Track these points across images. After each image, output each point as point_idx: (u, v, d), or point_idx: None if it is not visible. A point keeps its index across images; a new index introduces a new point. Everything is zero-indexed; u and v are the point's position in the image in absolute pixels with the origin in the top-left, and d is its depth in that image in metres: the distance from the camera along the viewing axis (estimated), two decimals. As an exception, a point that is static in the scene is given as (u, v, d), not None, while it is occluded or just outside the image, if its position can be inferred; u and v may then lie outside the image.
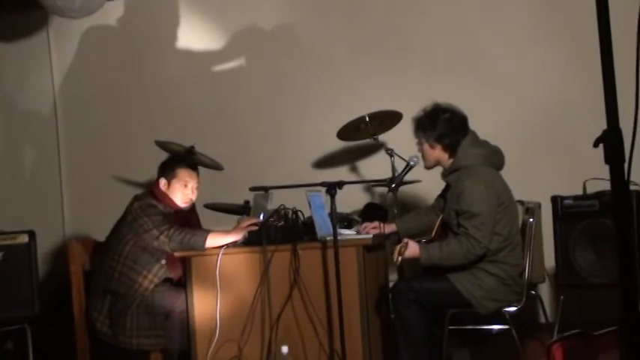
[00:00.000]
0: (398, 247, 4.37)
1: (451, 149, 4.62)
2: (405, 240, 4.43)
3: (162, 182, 5.04)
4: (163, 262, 4.85)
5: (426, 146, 4.69)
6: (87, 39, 7.08)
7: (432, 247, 4.47)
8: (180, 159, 5.19)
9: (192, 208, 5.23)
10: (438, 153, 4.66)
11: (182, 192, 5.04)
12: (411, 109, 4.94)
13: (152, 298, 4.81)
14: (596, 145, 2.29)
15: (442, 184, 4.86)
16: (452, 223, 4.53)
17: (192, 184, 5.07)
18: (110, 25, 6.99)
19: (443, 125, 4.61)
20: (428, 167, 4.79)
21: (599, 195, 5.31)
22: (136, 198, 5.03)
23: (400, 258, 4.35)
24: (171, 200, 5.02)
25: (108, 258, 4.94)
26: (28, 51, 7.16)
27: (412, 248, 4.40)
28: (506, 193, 4.58)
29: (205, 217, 5.43)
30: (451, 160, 4.63)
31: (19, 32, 7.14)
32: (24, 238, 5.39)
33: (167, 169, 5.08)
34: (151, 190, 5.11)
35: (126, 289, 4.84)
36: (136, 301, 4.81)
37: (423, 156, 4.76)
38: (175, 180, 5.03)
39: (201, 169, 6.01)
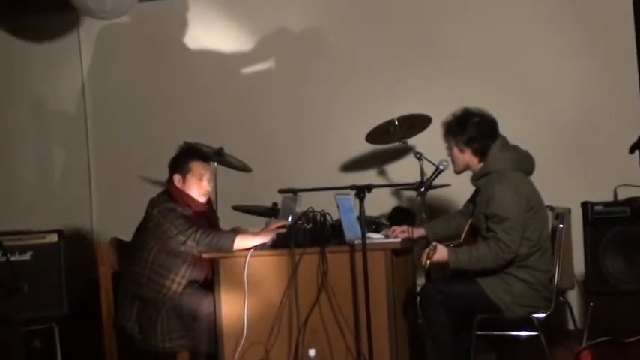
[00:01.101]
0: (427, 251, 4.36)
1: (481, 154, 4.60)
2: (434, 243, 4.42)
3: (177, 179, 4.95)
4: (189, 262, 4.83)
5: (456, 150, 4.66)
6: (117, 40, 7.13)
7: (460, 251, 4.45)
8: (191, 152, 5.08)
9: (211, 208, 5.17)
10: (468, 157, 4.63)
11: (198, 185, 4.95)
12: (440, 113, 4.93)
13: (180, 300, 4.80)
14: (631, 151, 2.28)
15: (471, 189, 4.84)
16: (481, 228, 4.51)
17: (207, 175, 4.98)
18: (140, 26, 7.02)
19: (472, 129, 4.59)
20: (457, 172, 4.77)
21: (630, 201, 5.28)
22: (153, 203, 4.93)
23: (429, 261, 4.33)
24: (188, 197, 4.93)
25: (134, 264, 4.91)
26: (59, 51, 7.21)
27: (441, 252, 4.39)
28: (535, 198, 4.55)
29: (233, 218, 5.44)
30: (481, 165, 4.61)
31: (50, 33, 7.20)
32: (53, 238, 5.43)
33: (180, 165, 4.98)
34: (165, 190, 5.02)
35: (155, 294, 4.81)
36: (165, 305, 4.80)
37: (453, 160, 4.74)
38: (190, 174, 4.94)
39: (229, 170, 6.05)
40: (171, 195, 4.94)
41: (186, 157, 5.01)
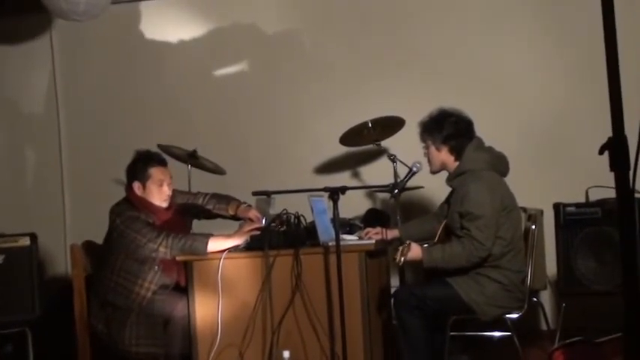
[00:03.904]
0: (401, 249, 4.36)
1: (457, 152, 4.61)
2: (408, 242, 4.41)
3: (137, 186, 4.91)
4: (156, 268, 4.79)
5: (432, 149, 4.67)
6: (90, 42, 7.10)
7: (434, 250, 4.46)
8: (149, 158, 5.00)
9: (179, 212, 5.11)
10: (444, 156, 4.64)
11: (159, 191, 4.91)
12: (413, 115, 4.95)
13: (152, 308, 4.77)
14: (601, 152, 2.29)
15: (444, 191, 4.85)
16: (455, 227, 4.51)
17: (167, 180, 4.95)
18: (113, 28, 6.99)
19: (449, 127, 4.61)
20: (433, 172, 4.77)
21: (601, 203, 5.32)
22: (115, 213, 4.88)
23: (403, 259, 4.33)
24: (149, 204, 4.90)
25: (103, 271, 4.90)
26: (32, 54, 7.18)
27: (414, 250, 4.38)
28: (509, 198, 4.57)
29: (207, 221, 5.41)
30: (456, 164, 4.62)
31: (23, 35, 7.16)
32: (25, 241, 5.38)
33: (139, 172, 4.93)
34: (126, 197, 4.97)
35: (124, 300, 4.79)
36: (134, 311, 4.78)
37: (429, 160, 4.74)
38: (150, 181, 4.90)
39: (203, 173, 6.03)
40: (132, 203, 4.91)
41: (144, 163, 4.95)
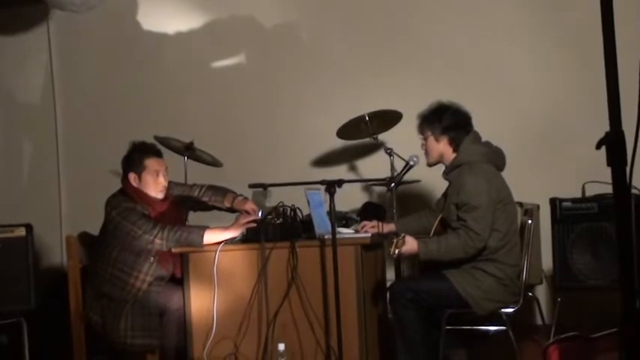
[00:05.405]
0: (395, 241, 4.34)
1: (455, 144, 4.60)
2: (402, 234, 4.40)
3: (132, 177, 4.91)
4: (152, 259, 4.79)
5: (431, 139, 4.65)
6: (87, 33, 7.08)
7: (430, 242, 4.45)
8: (144, 149, 5.00)
9: (175, 203, 5.11)
10: (443, 147, 4.62)
11: (154, 182, 4.92)
12: (411, 109, 4.94)
13: (147, 299, 4.77)
14: (598, 147, 2.28)
15: (441, 184, 4.84)
16: (451, 219, 4.50)
17: (162, 171, 4.95)
18: (110, 19, 6.98)
19: (449, 118, 4.61)
20: (431, 164, 4.75)
21: (597, 198, 5.32)
22: (110, 204, 4.88)
23: (397, 251, 4.32)
24: (145, 195, 4.90)
25: (98, 262, 4.90)
26: (28, 44, 7.17)
27: (410, 243, 4.36)
28: (506, 191, 4.57)
29: (203, 213, 5.41)
30: (454, 156, 4.61)
31: (20, 25, 7.15)
32: (21, 232, 5.37)
33: (134, 163, 4.93)
34: (121, 189, 4.97)
35: (119, 292, 4.79)
36: (129, 302, 4.78)
37: (427, 152, 4.71)
38: (146, 172, 4.90)
39: (200, 165, 6.02)
40: (127, 194, 4.91)
41: (139, 154, 4.95)
